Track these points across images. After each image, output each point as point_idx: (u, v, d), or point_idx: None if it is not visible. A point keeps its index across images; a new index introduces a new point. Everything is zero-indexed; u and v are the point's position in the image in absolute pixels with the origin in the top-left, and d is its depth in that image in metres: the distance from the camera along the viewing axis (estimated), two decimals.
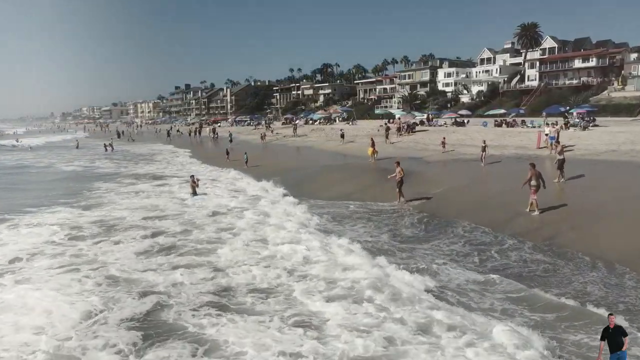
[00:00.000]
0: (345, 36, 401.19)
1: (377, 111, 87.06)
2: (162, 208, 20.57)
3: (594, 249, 12.48)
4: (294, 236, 15.36)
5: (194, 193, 22.70)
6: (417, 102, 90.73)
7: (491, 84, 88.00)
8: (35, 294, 10.81)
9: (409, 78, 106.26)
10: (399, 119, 48.23)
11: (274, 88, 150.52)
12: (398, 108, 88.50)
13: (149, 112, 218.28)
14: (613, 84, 71.80)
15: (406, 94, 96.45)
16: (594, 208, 15.34)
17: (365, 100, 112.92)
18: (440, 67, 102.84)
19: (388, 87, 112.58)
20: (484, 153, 25.40)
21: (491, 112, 61.55)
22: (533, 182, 15.90)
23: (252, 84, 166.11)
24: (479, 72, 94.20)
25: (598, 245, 12.71)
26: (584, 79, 76.16)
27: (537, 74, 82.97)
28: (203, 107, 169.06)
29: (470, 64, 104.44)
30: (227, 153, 38.54)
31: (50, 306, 10.11)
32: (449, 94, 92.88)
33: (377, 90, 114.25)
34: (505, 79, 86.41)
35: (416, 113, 62.11)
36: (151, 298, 10.60)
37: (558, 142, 23.31)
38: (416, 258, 13.06)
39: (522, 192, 16.25)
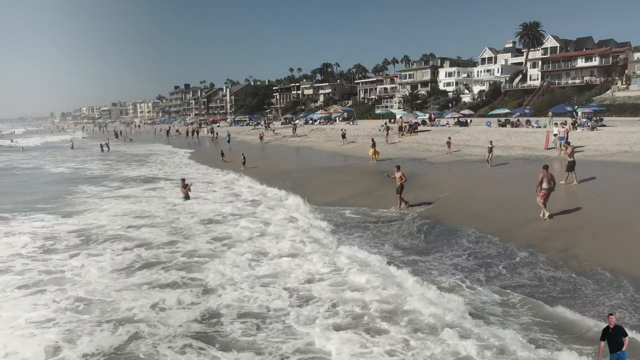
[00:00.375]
0: (346, 36, 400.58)
1: (377, 111, 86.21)
2: (150, 215, 19.12)
3: (616, 262, 11.21)
4: (295, 248, 14.10)
5: (186, 197, 21.42)
6: (418, 101, 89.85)
7: (493, 83, 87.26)
8: None
9: (409, 78, 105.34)
10: (401, 118, 47.15)
11: (274, 88, 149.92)
12: (399, 108, 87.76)
13: (148, 112, 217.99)
14: (617, 84, 71.05)
15: (407, 93, 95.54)
16: (611, 214, 14.28)
17: (366, 100, 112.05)
18: (442, 66, 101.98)
19: (389, 86, 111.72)
20: (490, 154, 24.38)
21: (495, 111, 60.61)
22: (544, 185, 14.88)
23: (252, 83, 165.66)
24: (481, 71, 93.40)
25: (620, 257, 11.38)
26: (586, 78, 75.42)
27: (540, 73, 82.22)
28: (202, 107, 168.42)
29: (472, 63, 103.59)
30: (222, 154, 37.62)
31: None
32: (450, 94, 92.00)
33: (378, 90, 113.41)
34: (507, 78, 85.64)
35: (418, 113, 61.08)
36: (125, 329, 9.16)
37: (568, 143, 22.29)
38: (418, 274, 11.66)
39: (532, 196, 15.22)
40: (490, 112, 62.08)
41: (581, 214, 14.81)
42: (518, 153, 27.80)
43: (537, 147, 28.55)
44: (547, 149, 27.71)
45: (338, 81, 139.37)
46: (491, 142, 25.54)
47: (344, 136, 43.03)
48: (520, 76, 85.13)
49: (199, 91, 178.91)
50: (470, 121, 52.65)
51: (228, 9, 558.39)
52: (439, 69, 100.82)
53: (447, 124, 52.33)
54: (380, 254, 13.13)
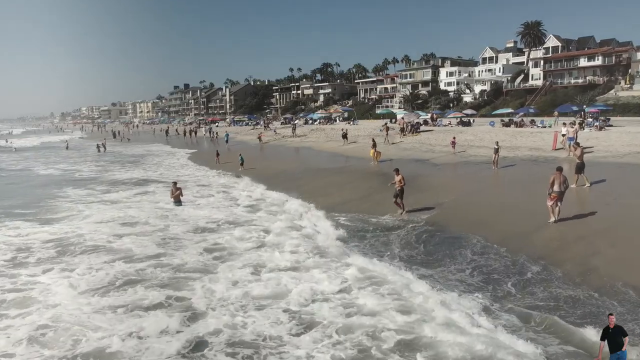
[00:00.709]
0: (346, 35, 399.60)
1: (378, 111, 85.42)
2: (137, 222, 17.53)
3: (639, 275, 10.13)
4: (296, 260, 12.68)
5: (178, 202, 20.11)
6: (419, 101, 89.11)
7: (494, 83, 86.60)
8: None
9: (410, 77, 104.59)
10: (403, 118, 46.25)
11: (274, 88, 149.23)
12: (399, 108, 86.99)
13: (147, 112, 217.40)
14: (620, 83, 70.40)
15: (407, 93, 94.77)
16: (630, 219, 13.34)
17: (366, 100, 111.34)
18: (442, 66, 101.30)
19: (389, 86, 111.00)
20: (496, 156, 23.41)
21: (499, 111, 59.75)
22: (555, 188, 13.98)
23: (252, 83, 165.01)
24: (482, 71, 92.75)
25: None
26: (589, 77, 74.80)
27: (542, 73, 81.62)
28: (202, 106, 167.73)
29: (472, 63, 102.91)
30: (217, 155, 36.76)
31: None
32: (451, 94, 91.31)
33: (378, 89, 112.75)
34: (509, 78, 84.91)
35: (420, 112, 60.24)
36: None
37: (577, 143, 21.39)
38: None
39: (542, 200, 14.32)
40: (494, 112, 61.20)
41: (597, 220, 13.87)
42: (525, 154, 26.88)
43: (544, 148, 27.63)
44: (555, 149, 26.83)
45: (338, 81, 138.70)
46: (497, 143, 24.60)
47: (344, 136, 42.07)
48: (522, 76, 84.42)
49: (198, 91, 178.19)
50: (473, 121, 51.84)
51: (228, 9, 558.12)
52: (440, 69, 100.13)
53: (450, 123, 51.51)
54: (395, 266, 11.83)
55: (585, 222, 13.84)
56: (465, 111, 62.28)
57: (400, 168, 17.65)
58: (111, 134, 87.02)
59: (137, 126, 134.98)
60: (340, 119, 78.24)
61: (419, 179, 22.54)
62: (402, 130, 41.73)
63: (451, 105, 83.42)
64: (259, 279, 11.45)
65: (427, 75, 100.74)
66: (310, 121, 77.63)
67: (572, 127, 25.76)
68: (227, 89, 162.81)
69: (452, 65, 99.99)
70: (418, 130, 42.98)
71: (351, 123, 64.10)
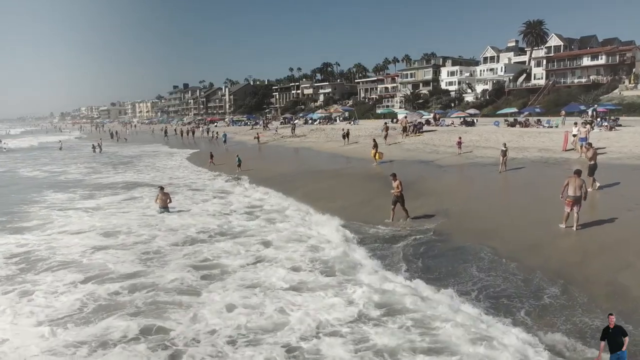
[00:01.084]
0: (346, 35, 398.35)
1: (379, 110, 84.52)
2: (119, 231, 15.92)
3: None
4: (300, 280, 11.02)
5: (165, 209, 18.70)
6: (420, 101, 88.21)
7: (496, 82, 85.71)
8: None
9: (411, 77, 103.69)
10: (405, 118, 45.17)
11: (274, 87, 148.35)
12: (400, 107, 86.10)
13: (147, 111, 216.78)
14: (624, 82, 69.36)
15: (408, 93, 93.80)
16: None
17: (367, 100, 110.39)
18: (443, 65, 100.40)
19: (389, 86, 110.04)
20: (504, 158, 22.10)
21: (504, 110, 58.72)
22: (570, 193, 12.95)
23: (251, 83, 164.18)
24: (483, 70, 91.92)
25: None
26: (593, 77, 73.94)
27: (544, 72, 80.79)
28: (201, 106, 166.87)
29: (474, 62, 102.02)
30: (211, 156, 35.71)
31: None
32: (452, 93, 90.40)
33: (379, 89, 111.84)
34: (511, 77, 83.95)
35: (423, 112, 59.23)
36: None
37: (590, 144, 20.32)
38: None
39: (556, 206, 13.30)
40: (498, 112, 60.20)
41: (619, 227, 12.73)
42: (534, 155, 25.78)
43: (554, 149, 26.50)
44: (566, 150, 25.77)
45: (338, 81, 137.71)
46: (505, 144, 23.15)
47: (345, 136, 41.02)
48: (525, 75, 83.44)
49: (197, 91, 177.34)
50: (477, 121, 50.83)
51: (228, 8, 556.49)
52: (441, 68, 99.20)
53: (452, 123, 50.50)
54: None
55: (605, 230, 12.69)
56: (468, 111, 61.28)
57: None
58: (109, 134, 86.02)
59: (135, 126, 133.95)
60: (341, 118, 77.25)
61: (423, 181, 21.48)
62: (405, 130, 40.67)
63: (452, 105, 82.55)
64: (254, 304, 9.89)
65: (428, 74, 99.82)
66: (310, 121, 76.70)
67: (584, 127, 24.61)
68: (227, 89, 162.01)
69: (453, 64, 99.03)
70: (421, 130, 41.95)
71: (352, 123, 63.09)
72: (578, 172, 13.41)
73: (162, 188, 19.88)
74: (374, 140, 31.09)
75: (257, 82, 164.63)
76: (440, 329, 8.60)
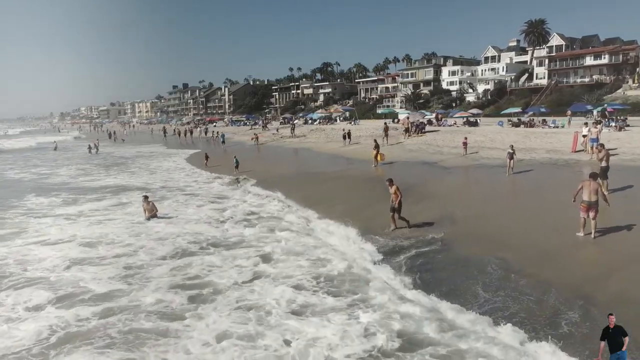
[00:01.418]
0: (346, 35, 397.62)
1: (379, 110, 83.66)
2: (100, 242, 14.59)
3: None
4: (303, 303, 9.78)
5: (152, 217, 17.70)
6: (421, 101, 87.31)
7: (498, 82, 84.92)
8: None
9: (411, 77, 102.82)
10: (407, 118, 44.27)
11: (273, 87, 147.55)
12: (401, 107, 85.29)
13: (146, 111, 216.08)
14: (627, 82, 68.55)
15: (409, 92, 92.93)
16: None
17: (367, 100, 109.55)
18: (444, 65, 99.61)
19: (390, 86, 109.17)
20: (512, 161, 21.13)
21: (507, 110, 57.83)
22: (584, 197, 12.05)
23: (251, 83, 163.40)
24: (485, 70, 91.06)
25: None
26: (596, 76, 73.10)
27: (546, 72, 79.93)
28: (201, 106, 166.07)
29: (475, 62, 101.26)
30: (207, 157, 34.82)
31: None
32: (453, 93, 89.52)
33: (379, 89, 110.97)
34: (512, 77, 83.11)
35: (425, 112, 58.37)
36: None
37: (602, 145, 19.39)
38: None
39: (570, 211, 12.35)
40: (502, 112, 59.31)
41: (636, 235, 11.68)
42: (542, 156, 24.87)
43: (562, 150, 25.59)
44: (575, 151, 24.88)
45: (338, 80, 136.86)
46: (512, 146, 22.13)
47: (345, 137, 40.16)
48: (527, 75, 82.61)
49: (197, 91, 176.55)
50: (479, 121, 49.96)
51: (228, 8, 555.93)
52: (442, 68, 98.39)
53: (455, 123, 49.64)
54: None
55: (626, 238, 11.68)
56: (470, 111, 60.42)
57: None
58: (107, 134, 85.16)
59: (134, 126, 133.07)
60: (341, 118, 76.40)
61: (427, 184, 20.64)
62: (407, 130, 39.81)
63: (454, 105, 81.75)
64: (249, 334, 8.61)
65: (429, 74, 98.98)
66: (310, 121, 75.82)
67: (595, 128, 23.68)
68: (227, 89, 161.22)
69: (454, 64, 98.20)
70: (423, 130, 41.07)
71: (352, 123, 62.23)
72: (594, 176, 12.56)
73: (146, 197, 18.57)
74: (375, 140, 30.21)
75: (257, 82, 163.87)
76: None
